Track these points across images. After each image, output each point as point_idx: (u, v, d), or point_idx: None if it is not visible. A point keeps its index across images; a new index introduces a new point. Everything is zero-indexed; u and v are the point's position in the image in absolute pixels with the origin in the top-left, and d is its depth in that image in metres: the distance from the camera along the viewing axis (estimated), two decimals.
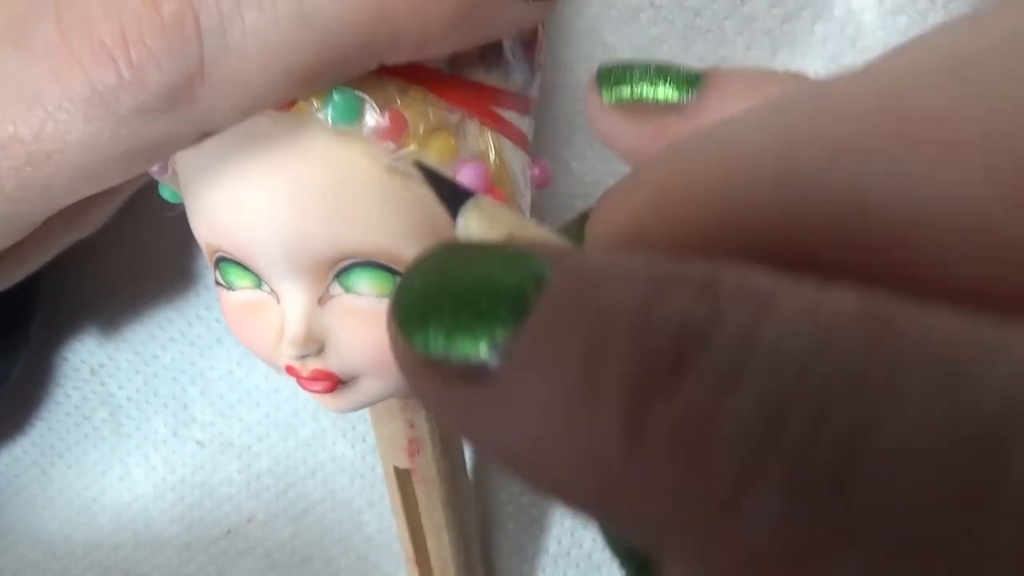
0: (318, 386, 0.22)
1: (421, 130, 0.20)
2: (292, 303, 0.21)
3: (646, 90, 0.16)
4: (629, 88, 0.16)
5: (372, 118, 0.19)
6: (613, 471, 0.08)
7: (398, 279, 0.19)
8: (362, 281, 0.21)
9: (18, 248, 0.25)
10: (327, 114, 0.19)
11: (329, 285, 0.21)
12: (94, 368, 0.35)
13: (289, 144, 0.20)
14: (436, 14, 0.18)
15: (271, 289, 0.22)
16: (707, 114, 0.16)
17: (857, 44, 0.28)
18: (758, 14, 0.28)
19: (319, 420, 0.34)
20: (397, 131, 0.19)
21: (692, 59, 0.29)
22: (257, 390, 0.34)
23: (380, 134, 0.19)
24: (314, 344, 0.21)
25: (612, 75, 0.16)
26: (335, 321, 0.21)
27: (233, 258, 0.22)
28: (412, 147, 0.20)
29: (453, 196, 0.13)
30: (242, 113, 0.19)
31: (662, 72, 0.16)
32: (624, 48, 0.29)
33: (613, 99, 0.16)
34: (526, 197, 0.22)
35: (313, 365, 0.22)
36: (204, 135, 0.19)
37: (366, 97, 0.19)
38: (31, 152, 0.18)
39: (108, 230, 0.27)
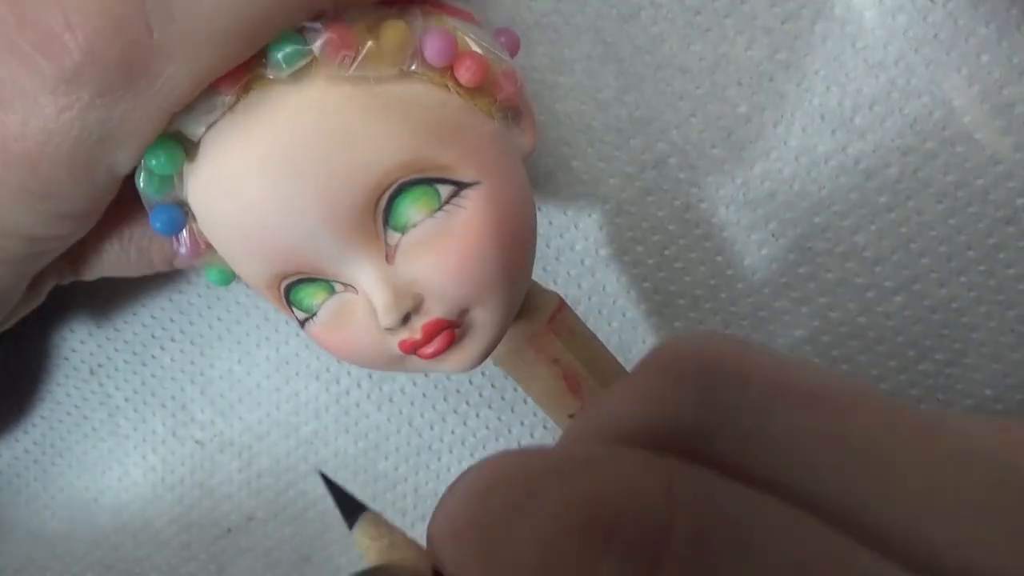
0: (438, 343, 0.21)
1: (367, 27, 0.20)
2: (366, 276, 0.21)
3: None
4: None
5: (317, 39, 0.19)
6: None
7: (440, 186, 0.20)
8: (408, 210, 0.20)
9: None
10: (279, 63, 0.19)
11: (385, 236, 0.21)
12: (93, 368, 0.35)
13: (266, 128, 0.20)
14: None
15: (344, 283, 0.22)
16: None
17: (857, 43, 0.28)
18: (758, 13, 0.28)
19: (321, 418, 0.34)
20: (345, 37, 0.19)
21: (692, 58, 0.29)
22: (258, 389, 0.34)
23: (332, 46, 0.19)
24: (407, 300, 0.21)
25: None
26: (412, 266, 0.21)
27: (296, 275, 0.21)
28: (369, 43, 0.20)
29: (349, 509, 0.15)
30: (200, 79, 0.19)
31: None
32: (624, 47, 0.29)
33: None
34: (508, 62, 0.22)
35: (422, 322, 0.21)
36: (170, 113, 0.20)
37: (303, 25, 0.20)
38: (25, 150, 0.19)
39: None
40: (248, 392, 0.35)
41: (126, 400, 0.35)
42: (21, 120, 0.19)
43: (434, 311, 0.21)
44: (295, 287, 0.22)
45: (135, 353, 0.35)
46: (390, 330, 0.21)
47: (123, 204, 0.23)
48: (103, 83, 0.18)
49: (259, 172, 0.20)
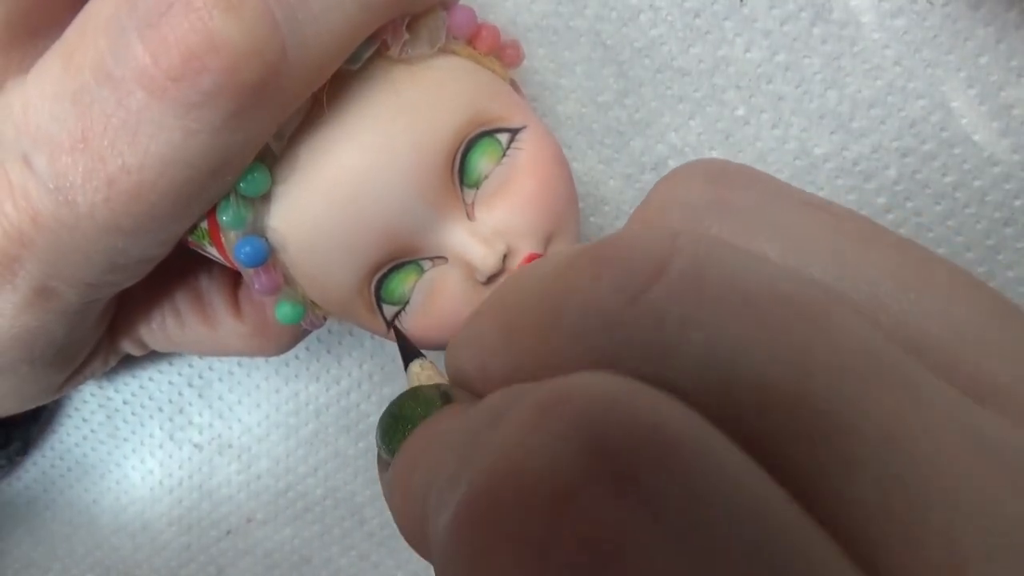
0: None
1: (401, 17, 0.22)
2: (456, 237, 0.22)
3: None
4: None
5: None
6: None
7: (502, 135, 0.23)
8: (479, 162, 0.22)
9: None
10: (354, 58, 0.20)
11: (463, 195, 0.22)
12: None
13: (349, 117, 0.21)
14: None
15: (432, 259, 0.23)
16: None
17: (856, 45, 0.28)
18: (757, 15, 0.28)
19: (321, 418, 0.34)
20: (396, 26, 0.21)
21: (691, 60, 0.29)
22: (257, 390, 0.34)
23: (391, 35, 0.21)
24: (500, 243, 0.22)
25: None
26: (492, 216, 0.22)
27: (389, 263, 0.22)
28: (407, 27, 0.21)
29: (408, 353, 0.21)
30: (314, 86, 0.20)
31: None
32: (624, 50, 0.29)
33: None
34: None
35: (517, 261, 0.23)
36: (279, 124, 0.20)
37: None
38: (136, 183, 0.19)
39: None
40: (248, 394, 0.35)
41: (124, 403, 0.35)
42: (142, 150, 0.18)
43: (524, 248, 0.23)
44: (385, 280, 0.23)
45: (133, 356, 0.35)
46: (489, 280, 0.23)
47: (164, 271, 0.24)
48: (237, 105, 0.18)
49: (353, 160, 0.21)
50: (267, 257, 0.22)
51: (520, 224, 0.23)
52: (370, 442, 0.34)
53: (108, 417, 0.35)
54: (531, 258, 0.23)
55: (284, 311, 0.24)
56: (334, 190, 0.21)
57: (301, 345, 0.33)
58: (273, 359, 0.34)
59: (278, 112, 0.19)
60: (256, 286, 0.23)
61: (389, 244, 0.22)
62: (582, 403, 0.11)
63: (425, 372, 0.20)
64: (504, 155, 0.23)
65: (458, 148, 0.22)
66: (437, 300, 0.23)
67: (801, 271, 0.13)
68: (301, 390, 0.34)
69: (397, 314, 0.23)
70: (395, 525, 0.36)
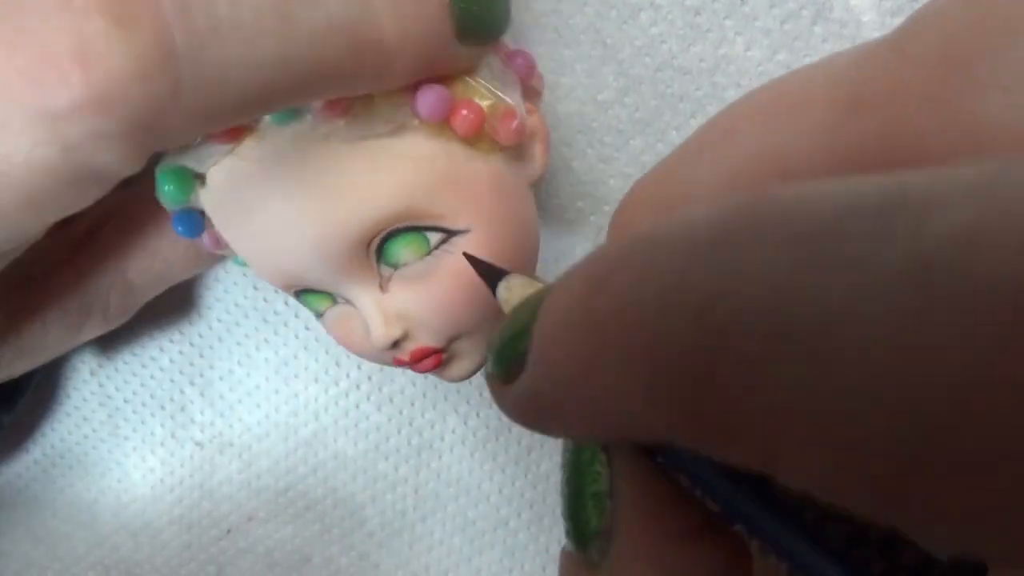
0: (427, 365, 0.23)
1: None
2: (361, 301, 0.23)
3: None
4: None
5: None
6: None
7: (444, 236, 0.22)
8: (399, 252, 0.22)
9: (15, 338, 0.25)
10: (270, 123, 0.20)
11: (379, 269, 0.22)
12: (93, 369, 0.35)
13: (264, 173, 0.21)
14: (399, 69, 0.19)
15: (344, 299, 0.23)
16: None
17: (856, 44, 0.28)
18: (758, 14, 0.28)
19: (320, 419, 0.34)
20: (334, 103, 0.20)
21: (692, 59, 0.29)
22: (258, 390, 0.34)
23: (322, 111, 0.20)
24: (396, 328, 0.22)
25: None
26: (404, 296, 0.22)
27: (302, 287, 0.23)
28: (358, 105, 0.20)
29: (492, 275, 0.18)
30: (212, 129, 0.18)
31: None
32: (624, 48, 0.29)
33: None
34: (508, 102, 0.22)
35: (411, 347, 0.23)
36: (155, 154, 0.18)
37: None
38: None
39: None
40: (248, 394, 0.35)
41: (125, 402, 0.35)
42: None
43: (422, 339, 0.23)
44: (302, 293, 0.24)
45: (135, 354, 0.35)
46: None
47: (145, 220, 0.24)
48: (100, 131, 0.15)
49: (261, 208, 0.21)
50: (202, 229, 0.23)
51: (425, 319, 0.23)
52: (370, 442, 0.34)
53: (109, 416, 0.35)
54: (421, 350, 0.23)
55: (239, 261, 0.24)
56: (245, 224, 0.22)
57: (300, 345, 0.33)
58: (272, 359, 0.34)
59: (154, 147, 0.17)
60: (203, 244, 0.24)
61: (295, 281, 0.23)
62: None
63: (515, 287, 0.17)
64: (429, 253, 0.22)
65: (377, 235, 0.21)
66: (345, 327, 0.24)
67: None
68: (301, 391, 0.34)
69: (319, 316, 0.25)
70: (395, 525, 0.36)
